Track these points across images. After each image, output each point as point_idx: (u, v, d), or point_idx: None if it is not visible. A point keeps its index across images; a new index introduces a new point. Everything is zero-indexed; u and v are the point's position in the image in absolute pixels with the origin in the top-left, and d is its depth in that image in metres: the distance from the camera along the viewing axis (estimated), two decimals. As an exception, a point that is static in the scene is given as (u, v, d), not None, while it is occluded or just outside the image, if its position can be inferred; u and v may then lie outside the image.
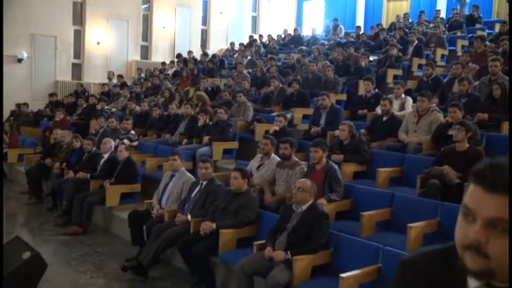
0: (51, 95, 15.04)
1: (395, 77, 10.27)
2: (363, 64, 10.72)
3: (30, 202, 8.84)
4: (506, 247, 0.98)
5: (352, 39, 14.63)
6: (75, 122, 11.86)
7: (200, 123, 8.79)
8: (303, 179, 4.87)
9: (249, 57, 15.15)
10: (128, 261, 5.66)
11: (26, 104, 13.90)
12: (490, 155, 5.46)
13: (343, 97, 9.87)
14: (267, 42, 17.66)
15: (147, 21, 18.21)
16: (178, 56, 16.83)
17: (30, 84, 15.69)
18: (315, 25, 19.14)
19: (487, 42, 10.65)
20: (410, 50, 11.52)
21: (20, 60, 15.42)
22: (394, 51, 10.90)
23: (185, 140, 8.69)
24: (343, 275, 3.85)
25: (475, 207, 1.02)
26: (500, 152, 5.45)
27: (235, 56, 16.69)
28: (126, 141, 8.82)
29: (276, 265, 4.36)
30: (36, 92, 15.72)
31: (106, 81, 15.81)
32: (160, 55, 18.15)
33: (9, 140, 11.39)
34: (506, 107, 6.48)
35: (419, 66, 10.67)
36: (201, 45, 18.87)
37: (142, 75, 16.07)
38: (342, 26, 17.89)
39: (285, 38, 18.16)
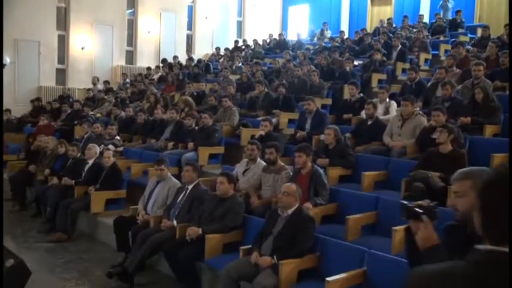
0: (32, 100, 14.88)
1: (379, 81, 10.34)
2: (348, 69, 10.77)
3: (14, 209, 8.71)
4: None
5: (337, 44, 14.70)
6: (60, 128, 11.75)
7: (188, 124, 8.79)
8: (288, 184, 4.88)
9: (238, 64, 15.02)
10: (113, 268, 5.62)
11: (8, 110, 13.72)
12: (472, 158, 5.54)
13: (329, 101, 9.91)
14: (252, 46, 17.67)
15: (132, 26, 18.11)
16: (164, 61, 16.77)
17: (13, 90, 15.44)
18: (300, 30, 19.19)
19: (469, 47, 10.78)
20: (394, 54, 11.61)
21: (3, 66, 15.24)
22: (379, 56, 10.98)
23: (171, 146, 8.66)
24: (329, 278, 3.87)
25: None
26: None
27: (220, 60, 16.67)
28: (111, 146, 8.76)
29: (262, 270, 4.36)
30: (19, 97, 15.50)
31: (91, 86, 15.69)
32: (146, 60, 18.05)
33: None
34: (488, 111, 6.57)
35: (403, 71, 10.74)
36: (187, 50, 18.84)
37: (128, 80, 15.97)
38: (329, 31, 17.97)
39: (270, 42, 18.20)
